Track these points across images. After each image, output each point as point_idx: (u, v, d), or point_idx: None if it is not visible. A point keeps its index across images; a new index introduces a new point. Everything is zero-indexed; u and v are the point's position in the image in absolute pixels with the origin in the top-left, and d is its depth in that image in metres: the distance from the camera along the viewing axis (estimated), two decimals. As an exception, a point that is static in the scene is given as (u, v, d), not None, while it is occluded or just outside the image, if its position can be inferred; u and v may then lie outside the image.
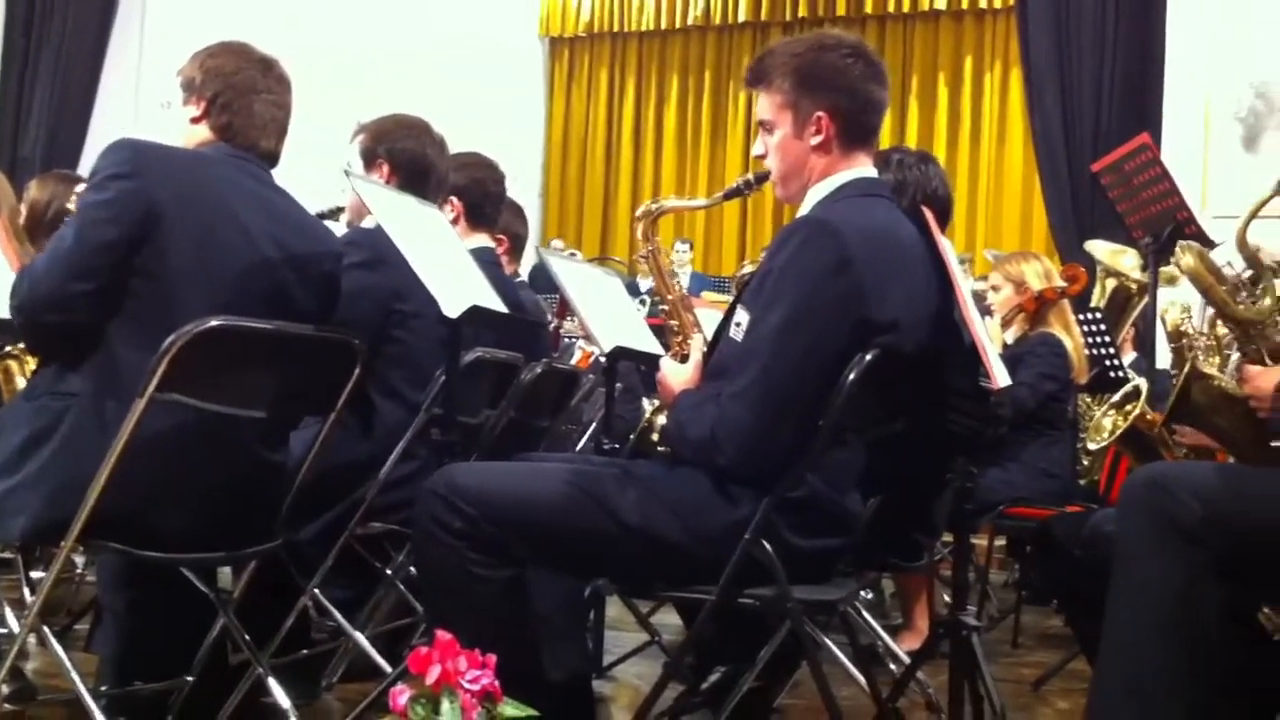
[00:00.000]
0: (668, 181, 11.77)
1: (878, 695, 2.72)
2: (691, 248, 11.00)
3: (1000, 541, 5.52)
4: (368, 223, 3.16)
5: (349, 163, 3.26)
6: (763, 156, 2.54)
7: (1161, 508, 2.22)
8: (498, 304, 2.65)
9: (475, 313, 2.49)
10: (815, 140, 2.46)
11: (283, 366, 2.50)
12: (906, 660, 3.33)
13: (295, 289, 2.69)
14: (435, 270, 2.53)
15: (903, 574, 4.09)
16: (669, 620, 3.88)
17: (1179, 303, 3.36)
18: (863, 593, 4.94)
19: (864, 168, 2.50)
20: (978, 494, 4.14)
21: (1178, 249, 2.56)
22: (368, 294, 3.04)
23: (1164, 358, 4.53)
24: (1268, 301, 2.50)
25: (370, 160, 3.27)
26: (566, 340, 6.09)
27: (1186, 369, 2.54)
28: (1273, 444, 2.43)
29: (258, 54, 2.79)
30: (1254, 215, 2.49)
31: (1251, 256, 2.53)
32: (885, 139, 9.66)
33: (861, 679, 2.92)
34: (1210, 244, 3.63)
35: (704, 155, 11.76)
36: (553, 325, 6.41)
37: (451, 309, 2.46)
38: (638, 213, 2.70)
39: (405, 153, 3.26)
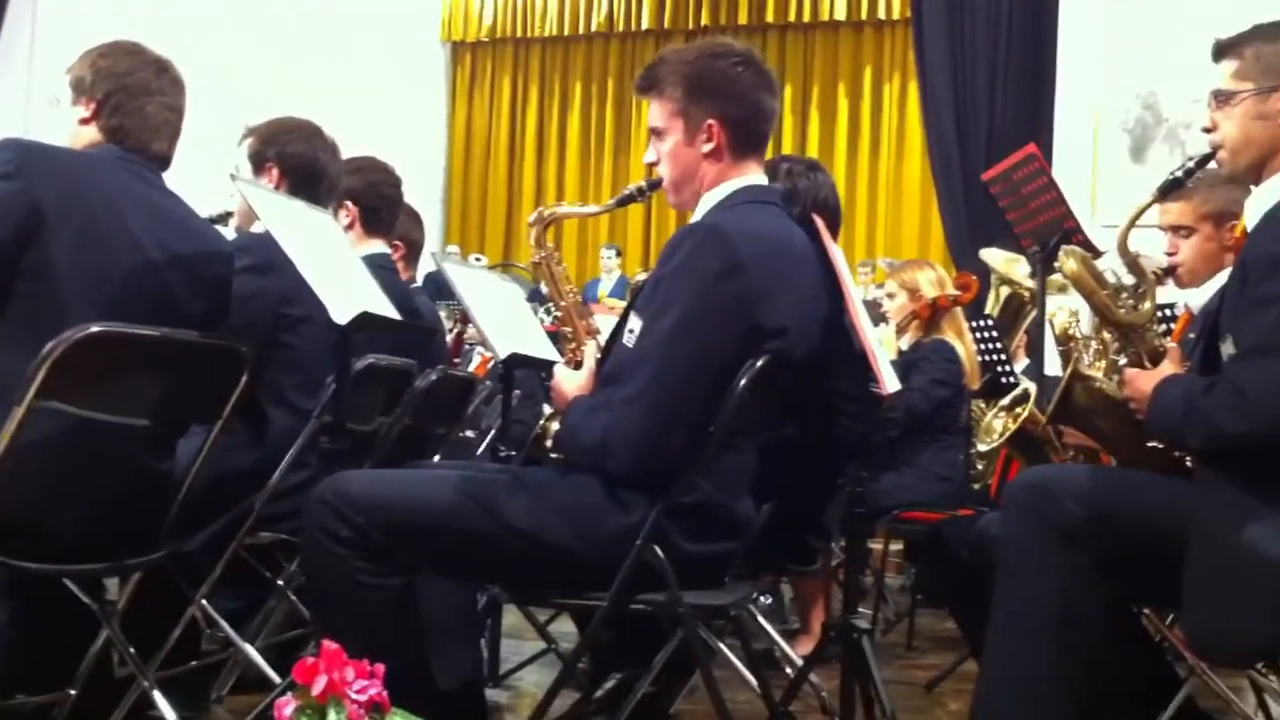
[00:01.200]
0: (571, 188, 11.77)
1: (770, 699, 2.74)
2: (619, 254, 11.01)
3: (898, 545, 5.59)
4: (257, 228, 3.11)
5: (236, 167, 3.21)
6: (655, 164, 2.55)
7: (1041, 510, 2.27)
8: (390, 310, 2.63)
9: (366, 319, 2.46)
10: (706, 148, 2.48)
11: (167, 373, 2.46)
12: (801, 664, 3.35)
13: (183, 293, 2.64)
14: (325, 276, 2.50)
15: (799, 578, 4.12)
16: (568, 628, 3.87)
17: (1067, 307, 3.43)
18: (761, 597, 4.97)
19: (754, 175, 2.52)
20: (873, 498, 4.19)
21: (1061, 255, 2.62)
22: (258, 299, 2.99)
23: (1054, 363, 4.63)
24: (1147, 306, 2.57)
25: (259, 164, 3.23)
26: (468, 346, 6.06)
27: (1069, 371, 2.59)
28: (1150, 445, 2.49)
29: (151, 55, 2.74)
30: (1134, 222, 2.56)
31: (1132, 262, 2.59)
32: (786, 148, 9.77)
33: (755, 683, 2.93)
34: (1096, 252, 3.70)
35: (608, 162, 11.78)
36: (455, 331, 6.37)
37: (341, 315, 2.44)
38: (530, 219, 2.70)
39: (296, 156, 3.22)
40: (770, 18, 11.31)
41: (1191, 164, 2.53)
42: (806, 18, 11.21)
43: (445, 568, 2.41)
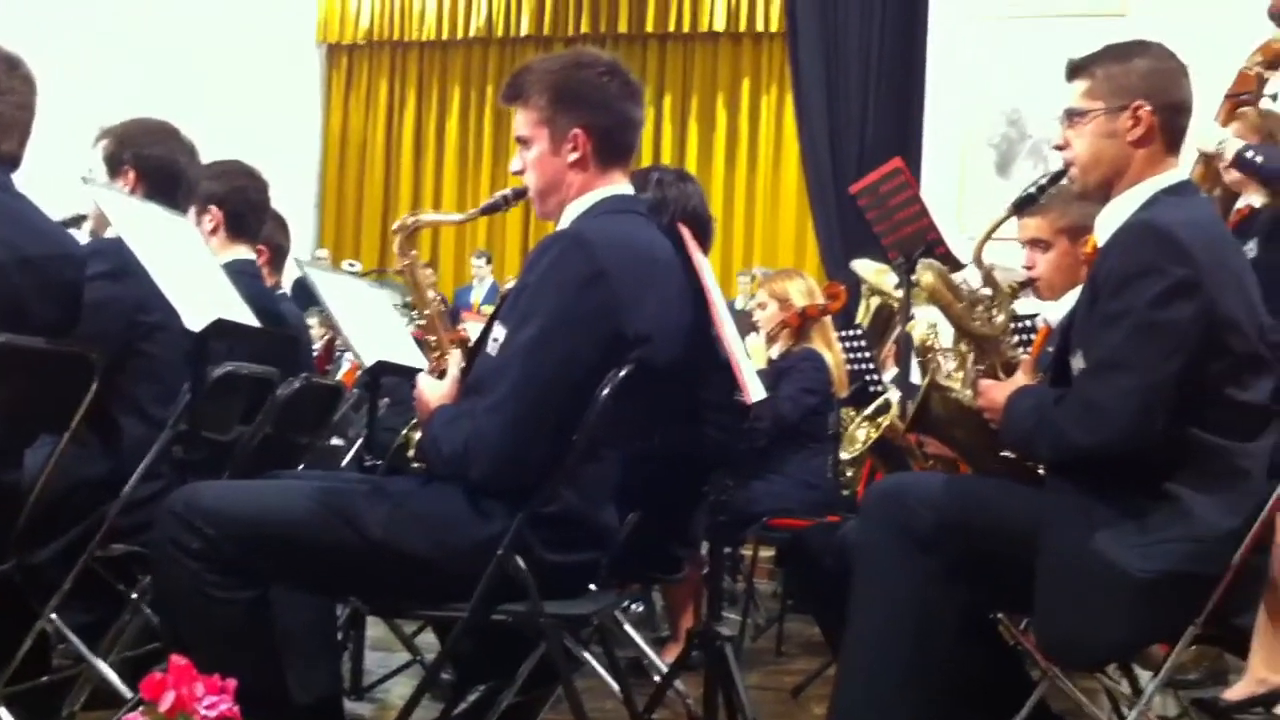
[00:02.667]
0: (449, 194, 11.69)
1: (633, 708, 2.74)
2: (489, 261, 10.95)
3: (769, 552, 5.64)
4: (111, 232, 3.03)
5: (90, 169, 3.12)
6: (520, 172, 2.54)
7: (896, 517, 2.31)
8: (248, 317, 2.58)
9: (221, 326, 2.41)
10: (572, 157, 2.47)
11: (13, 381, 2.38)
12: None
13: (32, 298, 2.56)
14: (178, 282, 2.44)
15: (669, 586, 4.13)
16: (436, 640, 3.83)
17: (926, 319, 3.49)
18: (632, 606, 4.99)
19: (620, 185, 2.53)
20: (742, 505, 4.28)
21: (918, 267, 2.67)
22: (111, 306, 2.91)
23: (919, 373, 4.73)
24: (1001, 319, 2.63)
25: (115, 167, 3.14)
26: (339, 353, 5.98)
27: (926, 381, 2.64)
28: (1003, 455, 2.55)
29: (1, 52, 2.66)
30: (989, 236, 2.62)
31: (987, 275, 2.65)
32: (665, 157, 9.82)
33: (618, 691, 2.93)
34: (958, 265, 3.79)
35: (486, 168, 11.73)
36: (326, 338, 6.28)
37: (194, 322, 2.38)
38: (394, 226, 2.67)
39: (153, 159, 3.14)
40: (650, 27, 11.38)
41: (1044, 180, 2.59)
42: (686, 28, 11.30)
43: (300, 580, 2.37)
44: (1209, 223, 2.44)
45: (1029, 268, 3.41)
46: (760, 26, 11.03)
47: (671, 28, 11.35)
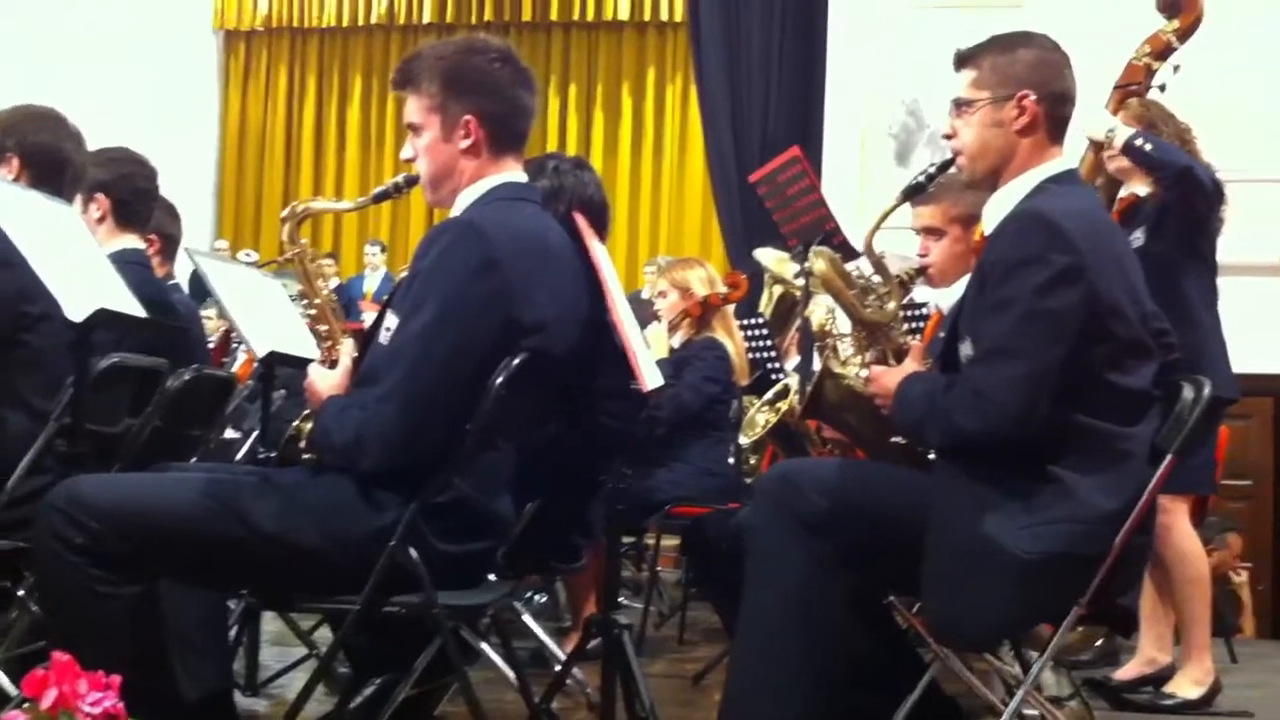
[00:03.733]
0: (350, 183, 11.54)
1: (529, 697, 2.74)
2: (384, 249, 10.84)
3: (675, 540, 5.67)
4: None
5: None
6: (412, 160, 2.52)
7: (788, 502, 2.34)
8: (134, 307, 2.53)
9: (104, 316, 2.36)
10: (464, 144, 2.46)
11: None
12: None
13: None
14: (60, 271, 2.39)
15: (570, 576, 4.13)
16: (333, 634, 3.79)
17: (825, 305, 3.53)
18: (536, 596, 4.99)
19: (513, 172, 2.52)
20: (643, 494, 4.29)
21: (811, 255, 2.70)
22: None
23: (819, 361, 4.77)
24: (891, 306, 2.66)
25: None
26: (235, 344, 5.89)
27: (820, 368, 2.67)
28: (895, 440, 2.59)
29: None
30: (879, 225, 2.65)
31: (878, 263, 2.69)
32: (571, 146, 9.79)
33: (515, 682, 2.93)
34: (855, 253, 3.82)
35: (389, 156, 11.59)
36: (222, 330, 6.18)
37: (76, 312, 2.33)
38: (283, 214, 2.64)
39: (38, 146, 3.07)
40: (555, 15, 11.34)
41: (933, 169, 2.63)
42: (590, 17, 11.27)
43: (188, 575, 2.34)
44: (1092, 211, 2.50)
45: (922, 255, 3.46)
46: (665, 16, 11.04)
47: (576, 16, 11.31)
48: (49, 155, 3.07)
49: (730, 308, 4.96)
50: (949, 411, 2.35)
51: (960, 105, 2.52)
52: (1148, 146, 3.55)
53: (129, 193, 3.48)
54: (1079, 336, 2.30)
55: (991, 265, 2.39)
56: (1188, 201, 3.62)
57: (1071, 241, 2.31)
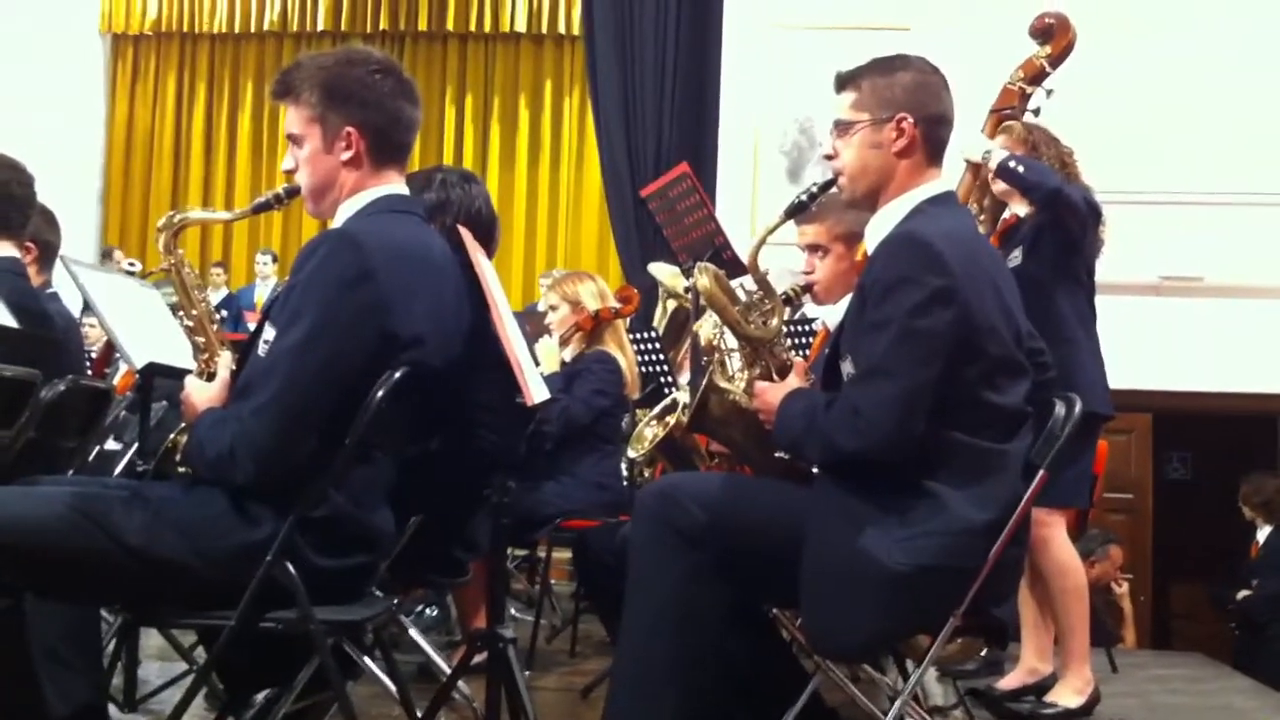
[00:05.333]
0: (241, 190, 11.35)
1: (412, 712, 2.72)
2: (275, 259, 10.68)
3: (568, 553, 5.66)
4: None
5: None
6: (293, 171, 2.50)
7: (667, 515, 2.35)
8: (5, 316, 2.46)
9: (-30, 325, 2.30)
10: (345, 155, 2.44)
11: None
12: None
13: None
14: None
15: (458, 590, 4.11)
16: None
17: (714, 320, 3.55)
18: (427, 610, 4.94)
19: (395, 184, 2.50)
20: (532, 507, 4.28)
21: (696, 270, 2.71)
22: None
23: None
24: (774, 322, 2.69)
25: None
26: (118, 355, 5.76)
27: (705, 382, 2.69)
28: (778, 455, 2.62)
29: None
30: (763, 242, 2.68)
31: (761, 279, 2.71)
32: (467, 159, 9.72)
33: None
34: (744, 269, 3.85)
35: (280, 165, 11.45)
36: (105, 340, 6.04)
37: (-60, 321, 2.27)
38: (159, 224, 2.60)
39: None
40: (451, 26, 11.27)
41: (815, 188, 2.67)
42: (487, 28, 11.23)
43: (55, 590, 2.28)
44: (967, 233, 2.55)
45: (807, 272, 3.50)
46: (562, 29, 11.04)
47: (473, 27, 11.26)
48: None
49: (622, 321, 4.97)
50: (827, 430, 2.38)
51: (840, 126, 2.56)
52: (1020, 169, 3.64)
53: (4, 200, 3.38)
54: (953, 356, 2.34)
55: (870, 285, 2.43)
56: (1060, 222, 3.71)
57: (945, 263, 2.35)
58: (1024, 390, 2.47)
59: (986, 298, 2.40)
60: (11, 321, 2.49)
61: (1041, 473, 2.47)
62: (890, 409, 2.31)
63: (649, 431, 3.98)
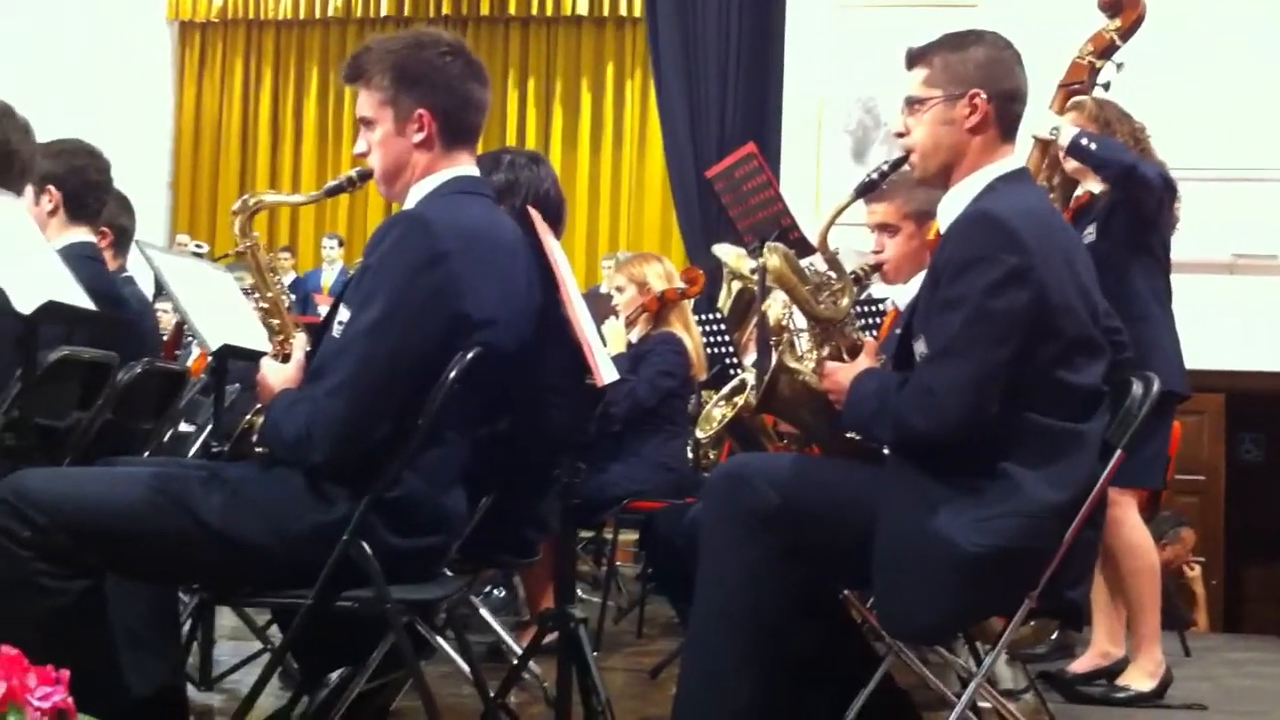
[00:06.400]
0: (307, 176, 11.45)
1: (485, 692, 2.74)
2: (341, 243, 10.78)
3: (634, 535, 5.68)
4: None
5: None
6: (365, 154, 2.51)
7: (738, 496, 2.35)
8: (83, 300, 2.50)
9: (52, 308, 2.34)
10: (417, 137, 2.45)
11: None
12: (522, 655, 3.36)
13: None
14: (8, 264, 2.36)
15: (526, 571, 4.13)
16: (289, 627, 3.77)
17: (782, 299, 3.54)
18: (495, 590, 4.98)
19: (465, 166, 2.51)
20: (599, 489, 4.29)
21: (765, 250, 2.70)
22: None
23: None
24: (845, 302, 2.67)
25: None
26: (188, 339, 5.84)
27: (774, 363, 2.68)
28: (848, 435, 2.60)
29: None
30: (833, 221, 2.66)
31: (831, 259, 2.69)
32: (530, 141, 9.75)
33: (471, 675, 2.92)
34: (810, 249, 3.83)
35: (346, 149, 11.50)
36: (177, 322, 6.12)
37: (24, 304, 2.31)
38: (234, 207, 2.62)
39: None
40: (513, 10, 11.29)
41: (886, 167, 2.64)
42: (549, 11, 11.23)
43: (135, 569, 2.32)
44: (1041, 210, 2.52)
45: (877, 251, 3.48)
46: (623, 11, 11.02)
47: (534, 11, 11.27)
48: None
49: (688, 303, 4.96)
50: (900, 410, 2.36)
51: (912, 103, 2.54)
52: (1092, 146, 3.59)
53: (80, 186, 3.43)
54: (1028, 335, 2.32)
55: (943, 265, 2.40)
56: (1135, 199, 3.66)
57: (1020, 241, 2.33)
58: (1101, 369, 2.44)
59: (1063, 276, 2.37)
60: (89, 305, 2.52)
61: (1118, 453, 2.44)
62: (964, 390, 2.29)
63: (717, 412, 3.99)
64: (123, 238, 3.84)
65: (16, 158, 3.05)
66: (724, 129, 8.50)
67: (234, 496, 2.27)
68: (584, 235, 11.11)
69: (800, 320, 3.03)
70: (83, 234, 3.43)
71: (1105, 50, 3.58)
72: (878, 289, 4.31)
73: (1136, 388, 2.52)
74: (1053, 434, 2.35)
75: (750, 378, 3.99)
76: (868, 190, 2.69)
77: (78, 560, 2.20)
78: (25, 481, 2.23)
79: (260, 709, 2.59)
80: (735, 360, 5.25)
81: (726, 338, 5.25)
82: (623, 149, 11.32)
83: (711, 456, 5.09)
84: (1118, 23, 3.58)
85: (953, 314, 2.33)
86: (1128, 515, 3.74)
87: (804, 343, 2.96)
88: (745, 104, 8.54)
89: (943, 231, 2.54)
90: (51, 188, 3.38)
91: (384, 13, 11.38)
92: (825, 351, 2.66)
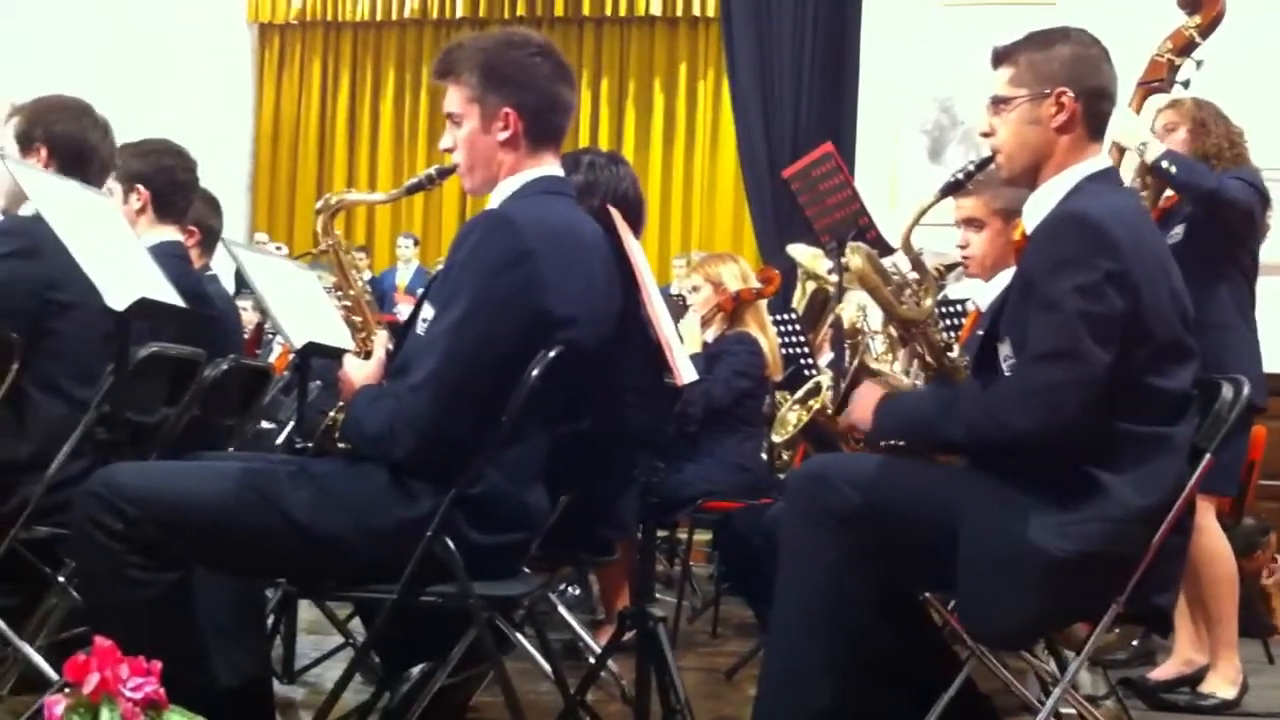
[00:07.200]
0: (384, 176, 11.55)
1: (566, 689, 2.74)
2: (416, 243, 10.88)
3: (707, 535, 5.66)
4: (26, 210, 2.98)
5: (2, 147, 3.07)
6: (451, 149, 2.53)
7: (820, 497, 2.33)
8: (173, 297, 2.55)
9: (144, 306, 2.38)
10: (503, 136, 2.46)
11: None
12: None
13: None
14: (100, 261, 2.41)
15: (602, 569, 4.14)
16: (369, 623, 3.81)
17: (857, 302, 3.52)
18: (570, 588, 5.00)
19: (550, 166, 2.52)
20: (675, 488, 4.29)
21: (847, 250, 2.68)
22: (21, 284, 2.89)
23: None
24: (928, 303, 2.65)
25: (26, 144, 3.11)
26: (268, 336, 5.92)
27: (855, 364, 2.67)
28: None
29: None
30: (917, 221, 2.64)
31: (915, 259, 2.67)
32: (602, 141, 9.75)
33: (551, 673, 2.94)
34: (889, 249, 3.81)
35: (421, 151, 11.62)
36: (257, 320, 6.22)
37: (116, 301, 2.35)
38: (317, 206, 2.66)
39: (64, 135, 3.11)
40: (586, 11, 11.31)
41: (972, 166, 2.61)
42: (622, 12, 11.25)
43: (223, 562, 2.35)
44: (1133, 212, 2.48)
45: (962, 246, 3.44)
46: (696, 11, 10.99)
47: (608, 11, 11.29)
48: (75, 145, 3.11)
49: (763, 303, 4.95)
50: (997, 411, 2.32)
51: (997, 103, 2.51)
52: (1173, 169, 3.56)
53: (168, 185, 3.50)
54: (1123, 341, 2.29)
55: (1037, 267, 2.36)
56: (1221, 219, 3.61)
57: (1116, 245, 2.30)
58: (1190, 374, 2.40)
59: (1156, 279, 2.34)
60: (179, 302, 2.57)
61: (1207, 457, 2.40)
62: (1069, 392, 2.25)
63: (791, 416, 3.97)
64: (209, 237, 3.91)
65: (95, 155, 3.12)
66: (798, 129, 8.46)
67: (320, 492, 2.30)
68: (656, 235, 11.10)
69: (874, 323, 3.02)
70: (170, 233, 3.50)
71: (1184, 48, 3.53)
72: (955, 289, 4.27)
73: (1226, 390, 2.47)
74: (1141, 438, 2.32)
75: (825, 379, 3.97)
76: (953, 190, 2.67)
77: (167, 553, 2.24)
78: (116, 475, 2.27)
79: (342, 703, 2.61)
80: (810, 361, 5.22)
81: (801, 338, 5.22)
82: (695, 149, 11.30)
83: (785, 457, 5.07)
84: (1197, 20, 3.53)
85: (1049, 316, 2.29)
86: (1206, 522, 3.68)
87: (878, 345, 2.94)
88: (820, 103, 8.50)
89: (1029, 232, 2.51)
90: (140, 187, 3.46)
91: (459, 14, 11.46)
92: (905, 354, 2.65)
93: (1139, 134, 3.55)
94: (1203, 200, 3.58)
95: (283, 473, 2.34)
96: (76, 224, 2.46)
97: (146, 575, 2.22)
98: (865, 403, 2.50)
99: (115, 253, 2.55)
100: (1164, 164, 3.55)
